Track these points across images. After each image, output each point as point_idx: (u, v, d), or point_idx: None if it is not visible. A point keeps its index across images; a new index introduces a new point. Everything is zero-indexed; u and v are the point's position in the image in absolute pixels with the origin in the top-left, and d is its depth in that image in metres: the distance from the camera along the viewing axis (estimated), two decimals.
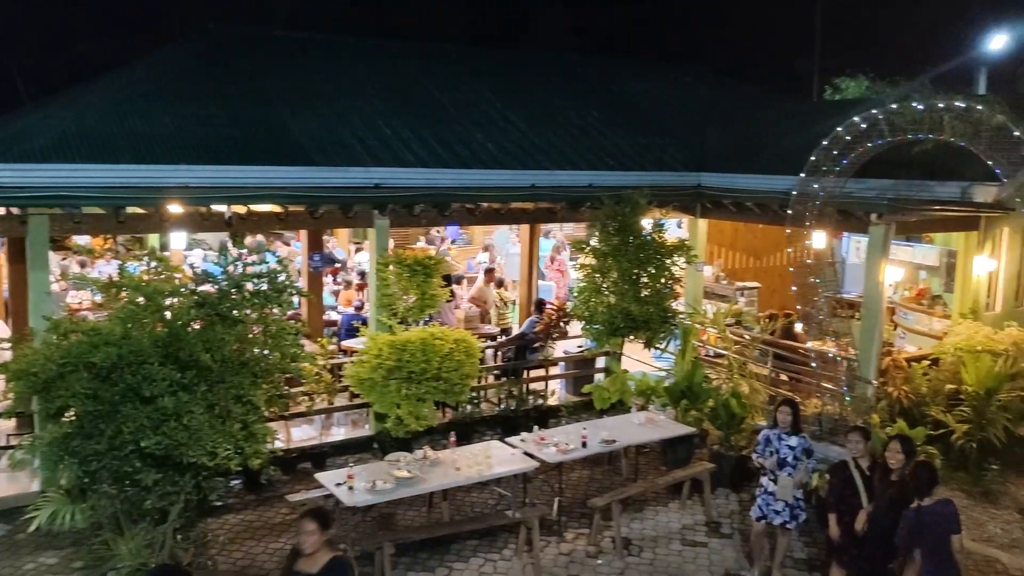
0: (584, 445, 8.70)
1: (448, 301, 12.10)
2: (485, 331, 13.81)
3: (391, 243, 11.07)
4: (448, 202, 11.17)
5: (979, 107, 9.74)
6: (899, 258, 13.91)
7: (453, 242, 19.67)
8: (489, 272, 15.24)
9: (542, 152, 12.68)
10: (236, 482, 9.14)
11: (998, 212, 11.56)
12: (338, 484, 7.54)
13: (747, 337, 12.22)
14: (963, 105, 9.71)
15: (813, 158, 10.85)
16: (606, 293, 11.39)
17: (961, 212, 11.58)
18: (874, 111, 10.30)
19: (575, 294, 11.95)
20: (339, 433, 10.74)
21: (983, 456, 9.86)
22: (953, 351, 11.11)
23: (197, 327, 6.94)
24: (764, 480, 7.60)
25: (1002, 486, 9.60)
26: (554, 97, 14.98)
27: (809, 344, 11.42)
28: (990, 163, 9.64)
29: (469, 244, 20.13)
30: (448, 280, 12.81)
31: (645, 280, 11.35)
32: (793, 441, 7.47)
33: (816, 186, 10.93)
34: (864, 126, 10.33)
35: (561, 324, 12.28)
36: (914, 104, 9.92)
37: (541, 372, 12.41)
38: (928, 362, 11.19)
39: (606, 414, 10.62)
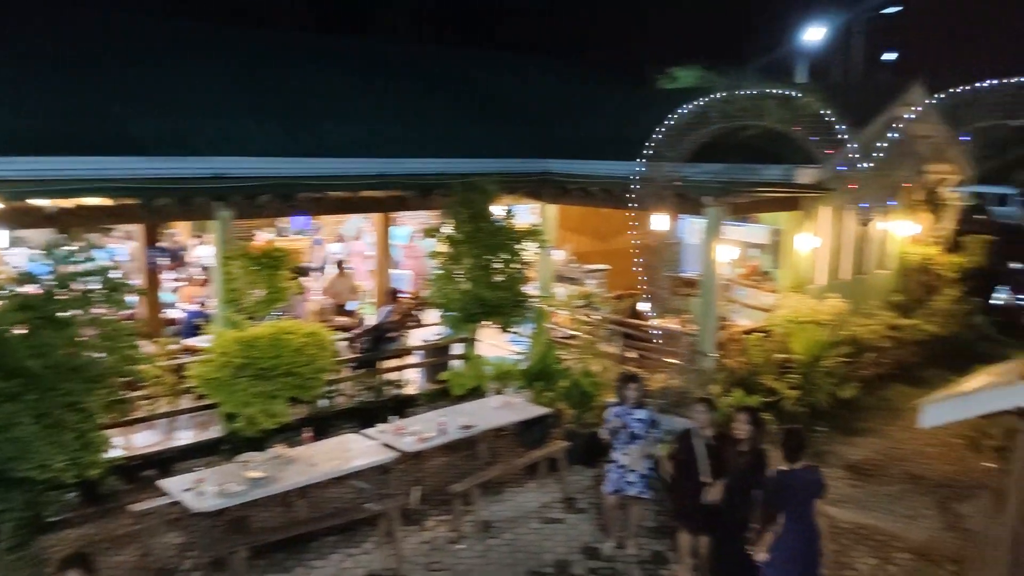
0: (443, 432, 8.75)
1: (298, 294, 11.80)
2: (339, 323, 13.58)
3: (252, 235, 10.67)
4: (294, 192, 10.87)
5: (799, 95, 10.50)
6: (732, 238, 14.77)
7: (302, 233, 19.15)
8: (342, 263, 14.98)
9: (392, 140, 12.59)
10: (73, 495, 8.56)
11: (818, 193, 12.52)
12: (185, 490, 7.22)
13: (597, 318, 12.64)
14: (784, 93, 10.43)
15: (652, 144, 11.34)
16: (460, 280, 11.47)
17: (785, 193, 12.46)
18: (706, 99, 10.87)
19: (430, 282, 11.96)
20: (185, 437, 10.26)
21: (812, 419, 10.70)
22: (782, 323, 11.96)
23: (22, 332, 6.44)
24: (615, 454, 7.92)
25: (829, 446, 10.45)
26: (404, 86, 14.87)
27: (654, 322, 11.96)
28: (809, 148, 10.39)
29: (319, 234, 19.66)
30: (299, 272, 12.49)
31: (498, 266, 11.50)
32: (641, 414, 7.83)
33: (655, 171, 11.44)
34: (696, 114, 10.89)
35: (415, 313, 12.26)
36: (741, 92, 10.55)
37: (400, 362, 12.35)
38: (761, 334, 11.99)
39: (464, 400, 10.71)
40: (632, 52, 28.81)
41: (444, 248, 11.52)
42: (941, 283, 15.56)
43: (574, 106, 16.39)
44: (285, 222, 19.04)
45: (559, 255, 15.36)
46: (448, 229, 11.53)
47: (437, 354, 12.73)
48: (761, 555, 6.21)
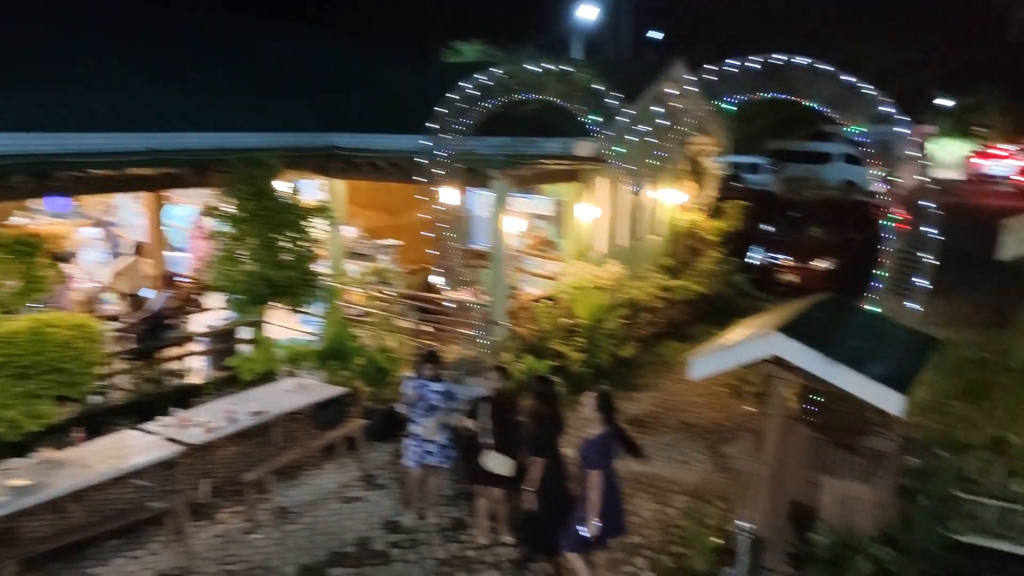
0: (232, 421, 8.38)
1: (60, 283, 10.75)
2: (109, 311, 12.53)
3: None
4: (50, 171, 9.84)
5: (573, 70, 10.95)
6: (519, 209, 15.24)
7: (61, 216, 17.37)
8: (140, 246, 13.78)
9: (163, 113, 11.70)
10: None
11: (594, 164, 13.18)
12: None
13: (390, 293, 12.60)
14: (562, 69, 10.84)
15: (437, 118, 11.39)
16: (245, 261, 10.96)
17: (565, 165, 13.01)
18: (487, 74, 11.06)
19: (212, 265, 11.33)
20: None
21: (596, 378, 11.34)
22: (567, 290, 12.55)
23: None
24: (414, 427, 7.99)
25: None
26: (177, 56, 13.84)
27: (447, 295, 12.12)
28: (584, 121, 10.89)
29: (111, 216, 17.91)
30: (59, 259, 11.36)
31: (285, 245, 11.11)
32: (438, 386, 7.93)
33: (441, 145, 11.51)
34: (479, 88, 11.06)
35: (195, 297, 11.58)
36: (522, 66, 10.84)
37: (182, 351, 11.61)
38: (548, 301, 12.51)
39: (255, 386, 10.30)
40: (417, 25, 28.69)
41: (226, 228, 10.95)
42: (705, 246, 16.99)
43: (361, 79, 16.06)
44: (40, 204, 17.21)
45: (349, 231, 15.10)
46: (229, 208, 10.96)
47: (223, 340, 12.09)
48: (593, 524, 6.37)
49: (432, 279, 12.82)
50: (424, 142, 11.66)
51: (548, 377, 7.79)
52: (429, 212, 11.81)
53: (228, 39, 15.76)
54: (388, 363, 10.34)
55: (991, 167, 46.15)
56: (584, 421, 6.56)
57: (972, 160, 47.86)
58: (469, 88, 11.19)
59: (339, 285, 12.25)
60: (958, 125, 55.53)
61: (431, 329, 12.44)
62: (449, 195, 12.39)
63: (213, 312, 12.44)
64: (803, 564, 6.49)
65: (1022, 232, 10.74)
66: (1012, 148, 48.05)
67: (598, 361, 11.36)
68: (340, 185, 13.86)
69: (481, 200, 16.74)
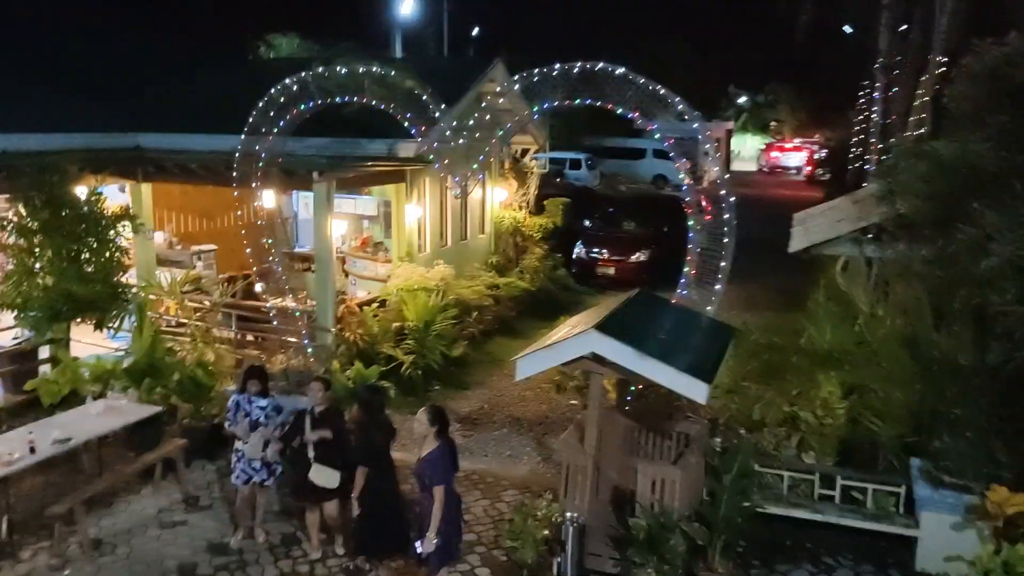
0: (32, 451, 7.73)
1: None
2: None
3: None
4: None
5: (393, 72, 10.91)
6: (344, 211, 15.02)
7: None
8: None
9: None
10: None
11: (419, 165, 13.23)
12: None
13: (208, 303, 12.06)
14: (380, 71, 10.77)
15: (252, 119, 11.01)
16: (41, 275, 10.11)
17: (390, 166, 12.97)
18: (303, 75, 10.82)
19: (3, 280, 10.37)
20: None
21: (427, 380, 11.42)
22: (396, 292, 12.52)
23: None
24: (239, 445, 7.71)
25: (443, 402, 11.17)
26: None
27: (270, 302, 11.75)
28: (405, 123, 10.90)
29: None
30: None
31: (87, 255, 10.35)
32: (263, 402, 7.70)
33: (258, 146, 11.14)
34: (295, 89, 10.80)
35: None
36: (338, 68, 10.67)
37: None
38: (377, 304, 12.44)
39: (59, 409, 9.55)
40: (231, 19, 27.41)
41: (17, 240, 10.06)
42: (529, 243, 17.49)
43: (168, 76, 15.21)
44: None
45: (160, 238, 14.28)
46: (18, 217, 10.08)
47: (19, 361, 11.10)
48: (431, 541, 6.30)
49: (255, 286, 12.38)
50: (239, 143, 11.23)
51: (374, 385, 7.78)
52: (247, 216, 11.39)
53: (15, 33, 14.42)
54: (207, 377, 9.89)
55: (783, 159, 50.60)
56: (420, 437, 6.55)
57: (766, 153, 52.23)
58: (284, 88, 10.89)
59: (151, 296, 11.57)
60: (754, 121, 60.20)
61: (254, 338, 12.03)
62: (268, 198, 12.01)
63: (5, 331, 11.39)
64: (625, 547, 6.86)
65: (807, 225, 11.82)
66: (799, 142, 52.91)
67: (428, 363, 11.43)
68: (147, 188, 13.07)
69: (304, 202, 16.37)
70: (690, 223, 9.97)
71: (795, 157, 49.77)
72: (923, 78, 13.61)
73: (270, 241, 11.51)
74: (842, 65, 37.55)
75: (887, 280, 9.56)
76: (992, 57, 7.53)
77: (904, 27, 15.56)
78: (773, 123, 61.80)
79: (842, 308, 10.08)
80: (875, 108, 14.60)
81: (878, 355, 8.64)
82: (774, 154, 51.49)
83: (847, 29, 30.14)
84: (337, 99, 10.89)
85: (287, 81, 10.90)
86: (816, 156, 45.99)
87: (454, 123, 11.32)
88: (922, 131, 12.43)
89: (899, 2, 14.19)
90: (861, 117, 25.03)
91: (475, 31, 40.82)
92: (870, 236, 9.62)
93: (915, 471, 7.69)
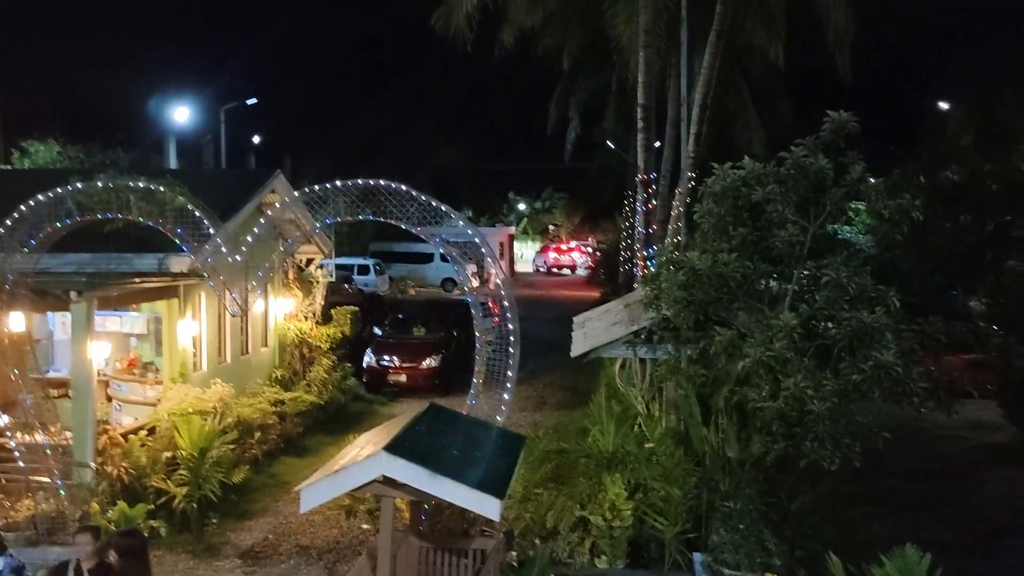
0: None
1: None
2: None
3: None
4: None
5: (163, 188, 10.39)
6: (108, 329, 13.80)
7: None
8: None
9: None
10: None
11: (193, 280, 12.54)
12: None
13: None
14: (146, 186, 10.23)
15: (1, 235, 10.00)
16: None
17: (160, 283, 12.19)
18: (60, 190, 10.03)
19: None
20: None
21: (203, 513, 10.49)
22: (167, 417, 11.55)
23: None
24: None
25: (222, 536, 10.36)
26: None
27: (15, 438, 10.38)
28: (176, 239, 10.35)
29: None
30: None
31: None
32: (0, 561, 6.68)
33: (4, 265, 10.07)
34: (50, 205, 9.98)
35: None
36: (99, 184, 10.01)
37: None
38: (146, 432, 11.38)
39: None
40: None
41: None
42: (317, 353, 16.96)
43: None
44: None
45: None
46: None
47: None
48: None
49: None
50: None
51: (130, 529, 7.03)
52: None
53: None
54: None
55: (558, 259, 54.19)
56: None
57: (544, 253, 55.45)
58: (36, 205, 10.01)
59: None
60: (534, 225, 63.66)
61: None
62: (17, 321, 10.82)
63: None
64: None
65: (586, 329, 12.44)
66: (575, 244, 56.75)
67: (205, 493, 10.53)
68: None
69: (62, 320, 14.90)
70: (476, 333, 10.15)
71: (569, 257, 53.60)
72: (678, 190, 15.03)
73: (18, 367, 10.29)
74: (607, 175, 40.94)
75: (660, 379, 10.18)
76: (731, 178, 8.46)
77: (657, 144, 17.24)
78: (551, 227, 65.61)
79: (622, 408, 10.59)
80: (637, 217, 15.89)
81: (656, 453, 9.10)
82: (552, 255, 54.63)
83: (610, 144, 32.99)
84: (98, 215, 10.16)
85: (40, 197, 10.03)
86: (596, 256, 49.66)
87: (231, 237, 10.91)
88: (679, 239, 13.64)
89: (649, 127, 15.67)
90: (628, 224, 27.17)
91: (256, 139, 40.27)
92: (642, 338, 10.26)
93: (698, 566, 8.06)
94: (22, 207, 10.01)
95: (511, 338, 9.99)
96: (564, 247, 56.36)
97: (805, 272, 8.27)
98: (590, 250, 52.60)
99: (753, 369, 7.74)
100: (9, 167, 22.09)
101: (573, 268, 52.25)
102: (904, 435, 9.30)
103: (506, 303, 10.08)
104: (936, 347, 8.42)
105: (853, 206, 11.31)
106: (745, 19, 16.88)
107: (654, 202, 15.83)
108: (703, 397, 8.94)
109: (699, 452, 8.92)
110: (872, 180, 8.06)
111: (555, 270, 53.16)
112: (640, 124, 15.72)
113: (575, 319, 13.94)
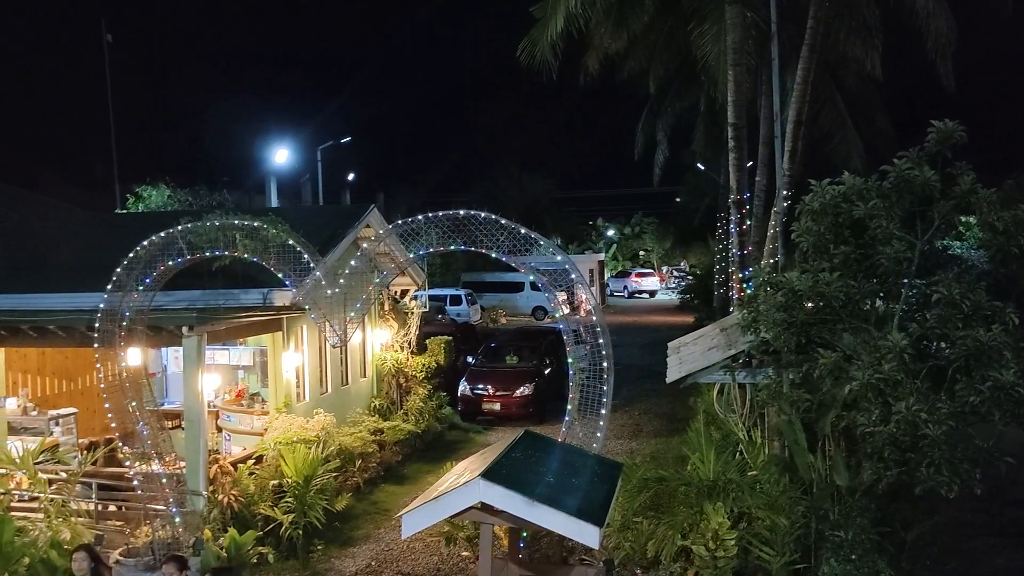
0: None
1: None
2: None
3: None
4: None
5: (266, 226, 10.81)
6: (217, 362, 14.43)
7: None
8: None
9: None
10: None
11: (295, 313, 12.97)
12: None
13: (65, 472, 11.10)
14: (251, 224, 10.66)
15: (115, 276, 10.58)
16: None
17: (265, 316, 12.66)
18: (172, 230, 10.56)
19: None
20: None
21: (308, 540, 10.75)
22: (273, 446, 11.93)
23: None
24: None
25: (327, 563, 10.59)
26: None
27: (134, 467, 10.91)
28: (279, 275, 10.73)
29: None
30: None
31: None
32: None
33: (122, 304, 10.65)
34: (163, 244, 10.51)
35: None
36: (208, 223, 10.49)
37: None
38: (253, 461, 11.78)
39: None
40: (94, 169, 26.83)
41: None
42: (413, 383, 17.23)
43: (19, 232, 14.53)
44: None
45: (13, 404, 13.21)
46: None
47: None
48: None
49: (119, 450, 11.51)
50: (104, 302, 10.71)
51: (221, 567, 7.28)
52: (109, 377, 10.72)
53: None
54: (63, 558, 8.96)
55: (642, 284, 54.34)
56: None
57: (631, 279, 55.58)
58: (150, 245, 10.57)
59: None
60: (624, 251, 63.24)
61: (116, 508, 11.09)
62: (133, 356, 11.40)
63: None
64: None
65: (680, 354, 12.22)
66: (654, 269, 57.60)
67: (310, 520, 10.80)
68: (0, 353, 12.19)
69: (175, 355, 15.64)
70: (569, 358, 10.10)
71: (650, 282, 55.17)
72: (774, 210, 14.66)
73: (134, 404, 10.82)
74: (698, 197, 40.31)
75: (761, 405, 9.88)
76: (830, 194, 8.20)
77: (749, 164, 16.91)
78: (642, 252, 65.03)
79: (721, 434, 10.32)
80: (731, 239, 15.57)
81: (760, 481, 8.81)
82: (635, 280, 55.18)
83: (700, 166, 32.53)
84: (207, 253, 10.65)
85: (154, 237, 10.59)
86: (672, 277, 50.52)
87: (329, 270, 11.24)
88: (775, 260, 13.28)
89: (740, 146, 15.39)
90: (721, 246, 26.63)
91: (350, 176, 41.56)
92: (740, 362, 10.00)
93: None
94: (137, 248, 10.58)
95: (604, 364, 9.89)
96: (645, 272, 57.05)
97: (914, 290, 7.91)
98: (663, 272, 53.81)
99: (861, 393, 7.42)
100: (125, 211, 23.52)
101: (652, 293, 53.78)
102: None
103: (598, 329, 10.00)
104: None
105: (964, 220, 10.81)
106: (839, 31, 16.46)
107: (748, 223, 15.48)
108: (808, 423, 8.60)
109: (805, 480, 8.58)
110: (983, 191, 7.66)
111: (639, 293, 53.32)
112: (731, 144, 15.46)
113: (669, 344, 13.71)
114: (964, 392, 7.07)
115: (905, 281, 7.88)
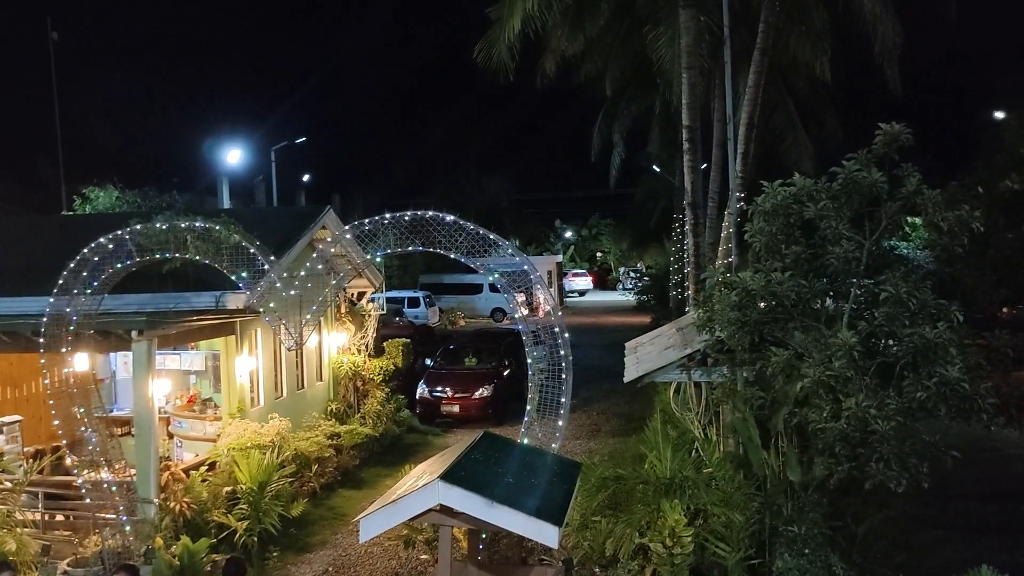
0: None
1: None
2: None
3: None
4: None
5: (218, 227, 10.65)
6: (168, 367, 14.13)
7: None
8: None
9: None
10: None
11: (250, 316, 12.77)
12: None
13: (7, 483, 10.78)
14: (203, 226, 10.49)
15: (62, 280, 10.33)
16: None
17: (217, 320, 12.44)
18: (120, 232, 10.35)
19: None
20: None
21: (264, 547, 10.59)
22: (227, 451, 11.73)
23: None
24: None
25: (283, 570, 10.45)
26: None
27: (82, 476, 10.64)
28: (232, 276, 10.58)
29: None
30: None
31: None
32: None
33: (69, 308, 10.40)
34: (111, 247, 10.29)
35: None
36: (158, 225, 10.29)
37: None
38: (205, 467, 11.57)
39: None
40: (40, 170, 26.13)
41: None
42: (370, 386, 17.08)
43: None
44: None
45: None
46: None
47: None
48: None
49: (66, 459, 11.23)
50: (49, 306, 10.44)
51: (236, 557, 7.23)
52: (55, 384, 10.45)
53: None
54: (16, 571, 8.68)
55: (574, 283, 57.18)
56: None
57: (566, 279, 56.56)
58: (97, 248, 10.34)
59: None
60: (581, 253, 63.65)
61: (64, 518, 10.81)
62: (81, 361, 11.13)
63: None
64: None
65: (638, 354, 12.32)
66: (584, 270, 60.34)
67: (265, 527, 10.64)
68: None
69: (123, 360, 15.29)
70: (528, 359, 10.12)
71: (581, 281, 58.20)
72: (727, 211, 14.86)
73: (82, 410, 10.56)
74: (654, 198, 40.70)
75: (716, 403, 10.00)
76: (781, 195, 8.34)
77: (704, 166, 17.11)
78: (599, 253, 65.47)
79: (678, 433, 10.42)
80: (687, 240, 15.74)
81: (715, 478, 8.92)
82: (569, 280, 56.53)
83: (655, 168, 32.87)
84: (157, 255, 10.45)
85: (102, 239, 10.36)
86: (628, 278, 52.32)
87: (284, 273, 11.11)
88: (729, 260, 13.47)
89: (695, 148, 15.57)
90: (677, 247, 26.92)
91: (305, 177, 41.11)
92: (696, 361, 10.11)
93: None
94: (85, 250, 10.34)
95: (563, 364, 9.94)
96: (575, 272, 59.53)
97: (862, 289, 8.08)
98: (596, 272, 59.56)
99: (812, 389, 7.56)
100: (71, 213, 22.95)
101: (580, 292, 57.24)
102: (974, 454, 8.97)
103: (556, 330, 10.04)
104: (1004, 362, 8.10)
105: (910, 221, 11.06)
106: (789, 35, 16.72)
107: (703, 224, 15.67)
108: (761, 420, 8.74)
109: (760, 476, 8.71)
110: (929, 192, 7.86)
111: (568, 294, 55.49)
112: (686, 146, 15.62)
113: (627, 344, 13.81)
114: (911, 388, 7.23)
115: (854, 280, 8.05)
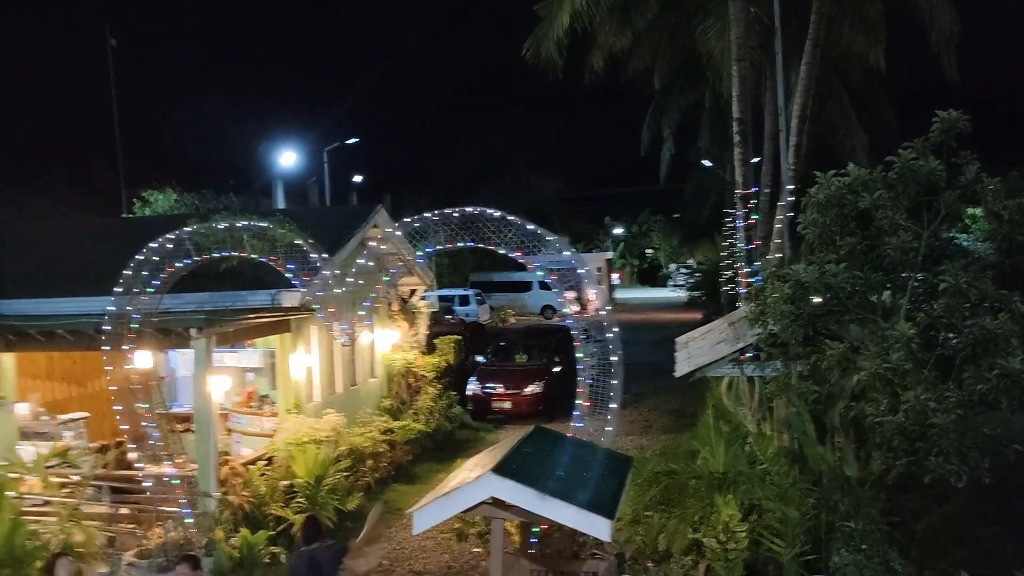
0: None
1: None
2: None
3: None
4: None
5: (273, 226, 10.88)
6: (226, 364, 14.45)
7: None
8: None
9: None
10: None
11: (304, 314, 13.02)
12: None
13: (77, 476, 11.17)
14: (260, 225, 10.73)
15: (123, 280, 10.65)
16: None
17: (273, 317, 12.71)
18: (179, 232, 10.63)
19: None
20: None
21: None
22: (284, 447, 11.97)
23: None
24: None
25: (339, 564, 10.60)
26: None
27: (146, 469, 10.97)
28: (287, 275, 10.80)
29: None
30: None
31: None
32: None
33: (130, 307, 10.72)
34: (171, 247, 10.57)
35: None
36: (215, 225, 10.55)
37: None
38: (264, 462, 11.83)
39: None
40: (100, 174, 26.96)
41: None
42: (422, 383, 17.26)
43: (25, 237, 14.63)
44: None
45: (25, 409, 13.29)
46: None
47: None
48: None
49: (128, 453, 11.58)
50: (111, 305, 10.78)
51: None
52: (118, 380, 10.78)
53: None
54: (75, 560, 9.01)
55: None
56: None
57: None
58: (158, 248, 10.64)
59: (10, 474, 10.63)
60: (631, 249, 63.22)
61: (129, 511, 11.15)
62: (143, 359, 11.47)
63: None
64: None
65: (689, 349, 12.23)
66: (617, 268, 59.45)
67: (321, 520, 10.83)
68: (7, 358, 12.27)
69: (183, 358, 15.69)
70: (578, 354, 10.13)
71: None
72: (779, 204, 14.66)
73: (145, 405, 10.89)
74: (704, 193, 40.24)
75: (770, 397, 9.88)
76: (835, 186, 8.20)
77: (755, 159, 16.89)
78: (649, 250, 65.01)
79: (731, 427, 10.32)
80: (738, 234, 15.57)
81: (769, 473, 8.81)
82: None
83: (705, 162, 32.51)
84: (215, 254, 10.72)
85: (161, 239, 10.67)
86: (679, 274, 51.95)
87: (337, 271, 11.30)
88: (781, 255, 13.29)
89: (746, 141, 15.36)
90: (728, 242, 26.58)
91: (357, 178, 41.65)
92: (749, 356, 10.00)
93: None
94: (145, 250, 10.65)
95: (613, 359, 9.92)
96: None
97: (920, 280, 7.91)
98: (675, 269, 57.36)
99: (869, 383, 7.43)
100: (131, 215, 23.64)
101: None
102: None
103: (606, 326, 10.04)
104: None
105: (970, 212, 10.78)
106: (842, 26, 16.42)
107: (755, 217, 15.47)
108: (816, 414, 8.61)
109: (815, 471, 8.58)
110: (988, 180, 7.65)
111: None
112: (737, 139, 15.44)
113: (677, 340, 13.72)
114: (971, 380, 7.06)
115: (912, 271, 7.88)
